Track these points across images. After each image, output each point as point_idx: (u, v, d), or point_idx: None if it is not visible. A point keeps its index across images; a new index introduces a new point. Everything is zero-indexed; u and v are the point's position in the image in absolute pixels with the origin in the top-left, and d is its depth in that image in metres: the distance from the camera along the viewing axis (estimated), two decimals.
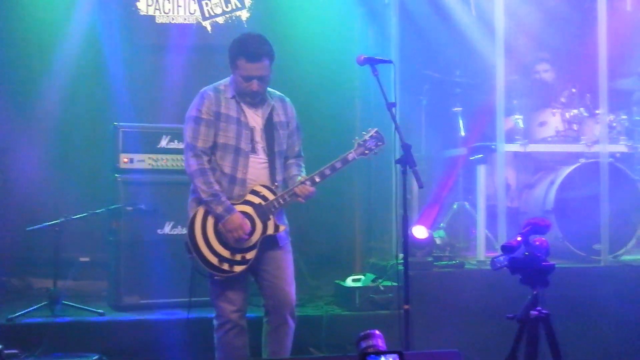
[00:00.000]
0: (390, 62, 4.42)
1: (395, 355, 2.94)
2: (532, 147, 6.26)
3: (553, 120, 6.33)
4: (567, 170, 6.06)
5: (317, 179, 4.14)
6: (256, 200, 4.13)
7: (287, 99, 4.37)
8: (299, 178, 4.19)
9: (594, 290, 5.42)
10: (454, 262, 5.63)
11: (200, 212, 4.11)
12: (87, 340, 4.93)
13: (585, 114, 6.30)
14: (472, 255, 6.01)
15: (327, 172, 4.16)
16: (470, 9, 6.80)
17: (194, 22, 6.73)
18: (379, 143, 4.23)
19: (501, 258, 3.75)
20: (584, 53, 6.40)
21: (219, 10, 6.80)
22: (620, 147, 6.25)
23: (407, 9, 6.40)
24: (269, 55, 4.12)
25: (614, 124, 6.26)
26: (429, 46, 6.77)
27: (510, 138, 6.13)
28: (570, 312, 5.16)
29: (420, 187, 4.14)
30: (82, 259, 6.06)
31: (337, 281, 5.82)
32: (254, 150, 4.17)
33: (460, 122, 6.70)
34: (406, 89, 6.00)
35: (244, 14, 6.82)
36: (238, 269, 4.09)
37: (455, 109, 6.73)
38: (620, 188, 5.96)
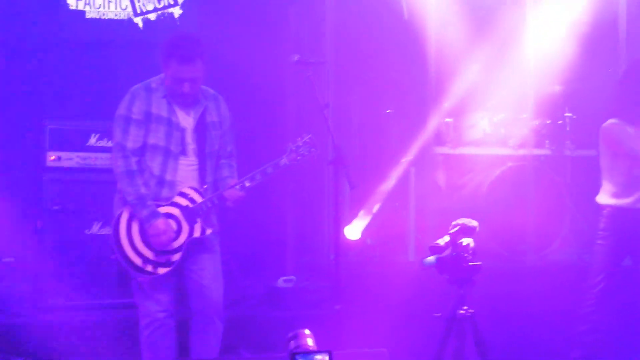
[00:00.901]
0: (323, 62, 4.44)
1: (324, 355, 2.95)
2: (462, 150, 6.37)
3: (482, 123, 6.46)
4: (495, 172, 6.19)
5: (247, 184, 4.13)
6: (184, 202, 4.10)
7: (221, 98, 4.34)
8: (229, 181, 4.17)
9: (519, 290, 5.56)
10: (384, 262, 5.69)
11: (126, 212, 4.05)
12: (12, 344, 4.80)
13: (512, 118, 6.44)
14: (402, 255, 6.07)
15: (258, 177, 4.14)
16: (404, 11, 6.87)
17: (125, 17, 6.61)
18: (312, 149, 4.23)
19: (430, 258, 3.82)
20: (513, 57, 6.54)
21: (150, 7, 6.69)
22: (545, 151, 6.42)
23: (343, 9, 6.42)
24: (201, 56, 4.08)
25: (540, 129, 6.43)
26: (364, 47, 6.81)
27: (440, 140, 6.23)
28: (496, 311, 5.28)
29: (352, 188, 4.17)
30: (5, 260, 5.89)
31: (268, 281, 5.81)
32: (184, 152, 4.13)
33: (393, 123, 6.76)
34: (340, 90, 6.03)
35: (177, 11, 6.72)
36: (162, 270, 4.05)
37: (389, 110, 6.80)
38: (545, 190, 6.13)
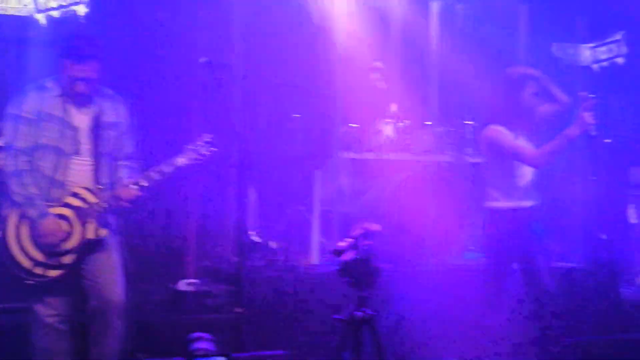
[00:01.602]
0: (230, 66, 4.44)
1: (222, 358, 2.94)
2: (367, 155, 6.46)
3: (386, 129, 6.58)
4: (399, 177, 6.31)
5: (143, 183, 4.06)
6: (76, 202, 3.99)
7: (120, 99, 4.25)
8: (126, 182, 4.10)
9: (420, 293, 5.67)
10: (287, 265, 5.71)
11: (15, 213, 3.93)
12: None
13: (416, 125, 6.59)
14: (306, 259, 6.11)
15: (154, 176, 4.08)
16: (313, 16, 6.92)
17: (27, 14, 6.41)
18: (211, 149, 4.21)
19: (332, 261, 3.86)
20: (417, 64, 6.71)
21: (54, 4, 6.52)
22: (447, 157, 6.59)
23: (252, 14, 6.41)
24: (97, 56, 4.00)
25: (443, 135, 6.60)
26: (273, 51, 6.82)
27: (346, 145, 6.30)
28: (397, 314, 5.38)
29: (255, 192, 4.18)
30: None
31: (169, 285, 5.72)
32: (77, 152, 4.03)
33: (299, 128, 6.79)
34: (248, 93, 6.02)
35: (82, 9, 6.57)
36: (53, 273, 3.94)
37: (295, 115, 6.83)
38: (446, 196, 6.29)
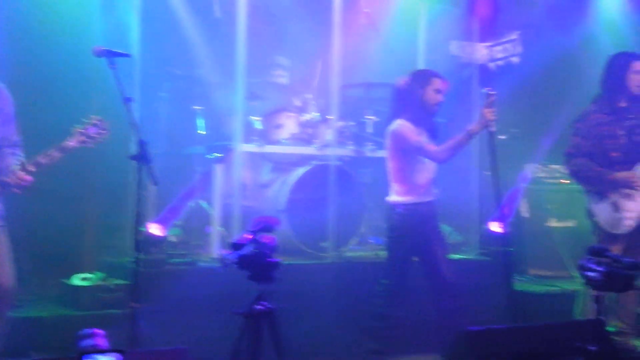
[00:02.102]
0: (128, 55, 4.34)
1: (117, 354, 2.87)
2: (268, 148, 6.45)
3: (288, 123, 6.58)
4: (300, 171, 6.33)
5: (32, 168, 3.94)
6: None
7: (2, 86, 4.10)
8: (13, 167, 3.95)
9: (320, 286, 5.73)
10: (187, 259, 5.64)
11: None
12: None
13: (319, 119, 6.62)
14: (206, 252, 6.05)
15: (43, 160, 3.97)
16: (215, 9, 6.85)
17: None
18: (101, 131, 4.12)
19: (231, 255, 3.84)
20: (320, 59, 6.72)
21: None
22: (348, 151, 6.66)
23: (151, 4, 6.27)
24: None
25: (344, 130, 6.66)
26: (173, 42, 6.70)
27: (247, 138, 6.27)
28: (299, 308, 5.41)
29: (155, 184, 4.11)
30: None
31: (63, 280, 5.56)
32: None
33: (200, 120, 6.71)
34: (148, 85, 5.91)
35: None
36: None
37: (196, 107, 6.74)
38: (346, 189, 6.36)
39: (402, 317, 5.05)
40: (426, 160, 4.90)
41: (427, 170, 4.94)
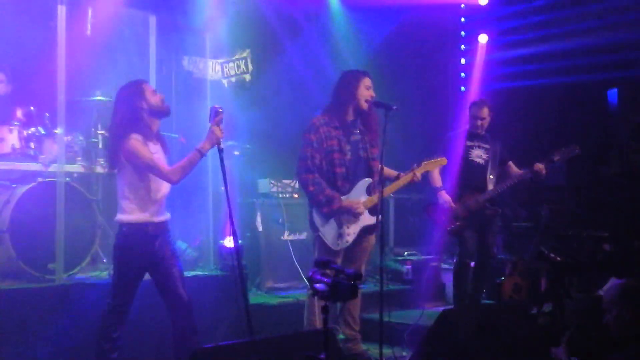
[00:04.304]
0: None
1: None
2: None
3: (10, 137, 6.11)
4: (23, 189, 5.91)
5: None
6: None
7: None
8: None
9: (48, 310, 5.37)
10: None
11: None
12: None
13: (44, 133, 6.24)
14: None
15: None
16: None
17: None
18: None
19: None
20: (44, 72, 6.32)
21: None
22: (77, 167, 6.34)
23: None
24: None
25: (72, 145, 6.34)
26: None
27: None
28: (23, 333, 5.06)
29: None
30: None
31: None
32: None
33: None
34: None
35: None
36: None
37: None
38: (76, 207, 6.05)
39: (129, 336, 4.88)
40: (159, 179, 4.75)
41: (160, 190, 4.80)
